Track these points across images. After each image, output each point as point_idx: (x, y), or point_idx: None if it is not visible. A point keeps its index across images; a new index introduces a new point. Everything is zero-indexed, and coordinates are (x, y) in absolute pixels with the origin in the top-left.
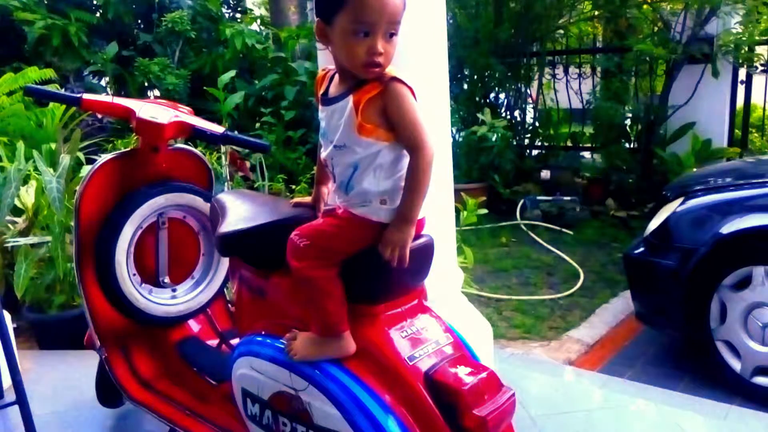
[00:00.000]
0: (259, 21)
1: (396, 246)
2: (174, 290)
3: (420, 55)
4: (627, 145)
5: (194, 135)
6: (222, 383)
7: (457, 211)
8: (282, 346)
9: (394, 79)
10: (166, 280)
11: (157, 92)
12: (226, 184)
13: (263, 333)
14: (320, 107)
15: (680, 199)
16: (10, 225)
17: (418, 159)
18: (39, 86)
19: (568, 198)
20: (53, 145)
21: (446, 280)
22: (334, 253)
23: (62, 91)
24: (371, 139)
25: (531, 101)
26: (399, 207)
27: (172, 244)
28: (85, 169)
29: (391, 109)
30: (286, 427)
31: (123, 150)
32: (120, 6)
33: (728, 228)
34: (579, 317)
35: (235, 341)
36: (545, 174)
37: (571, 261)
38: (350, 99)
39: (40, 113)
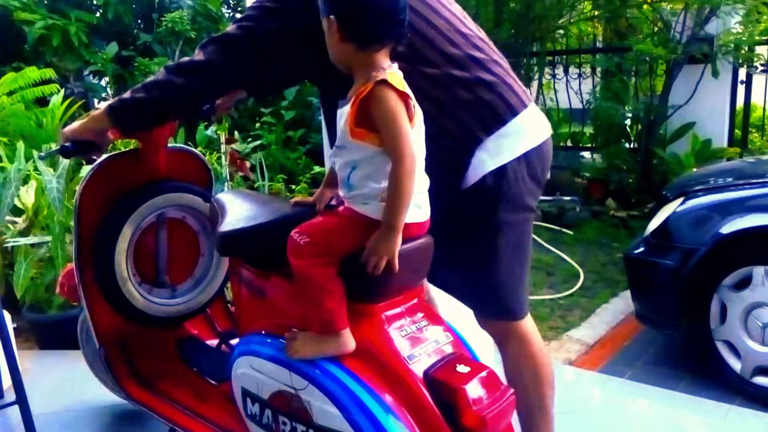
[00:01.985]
0: None
1: (382, 256)
2: (174, 290)
3: None
4: (627, 145)
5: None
6: (222, 383)
7: None
8: (281, 346)
9: (381, 82)
10: (166, 280)
11: None
12: (226, 184)
13: (263, 332)
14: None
15: (680, 199)
16: (10, 225)
17: (395, 168)
18: (70, 145)
19: (568, 198)
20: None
21: None
22: (334, 251)
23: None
24: (364, 143)
25: None
26: (383, 216)
27: (171, 244)
28: (85, 169)
29: (373, 114)
30: (286, 426)
31: (123, 150)
32: (120, 6)
33: (728, 228)
34: (579, 317)
35: (234, 341)
36: None
37: (571, 261)
38: (351, 101)
39: (40, 113)
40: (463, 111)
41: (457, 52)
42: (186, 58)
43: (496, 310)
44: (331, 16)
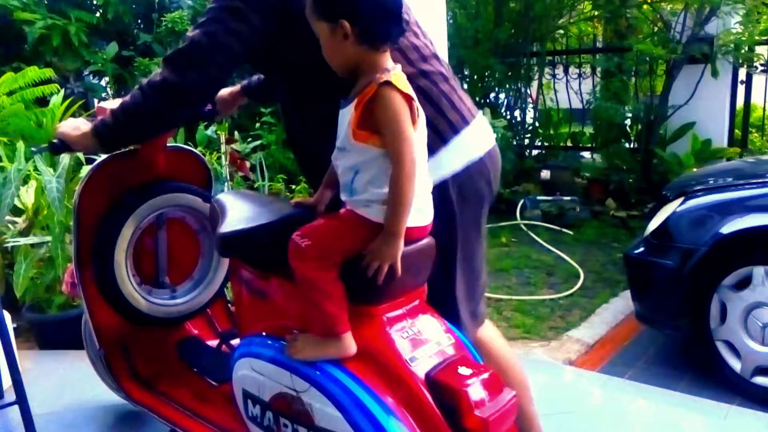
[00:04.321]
0: None
1: (385, 260)
2: (174, 291)
3: None
4: (627, 145)
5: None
6: (222, 384)
7: None
8: (282, 347)
9: (385, 83)
10: (166, 280)
11: None
12: (226, 184)
13: (264, 334)
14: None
15: (680, 199)
16: (10, 225)
17: (395, 171)
18: (58, 142)
19: (568, 198)
20: None
21: None
22: (336, 253)
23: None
24: (366, 145)
25: (531, 101)
26: (385, 220)
27: (171, 244)
28: (85, 169)
29: (377, 115)
30: (287, 428)
31: (123, 150)
32: (120, 6)
33: (728, 228)
34: (579, 317)
35: (235, 342)
36: (545, 174)
37: (571, 261)
38: (354, 102)
39: (40, 113)
40: None
41: (403, 62)
42: (157, 74)
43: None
44: (342, 20)
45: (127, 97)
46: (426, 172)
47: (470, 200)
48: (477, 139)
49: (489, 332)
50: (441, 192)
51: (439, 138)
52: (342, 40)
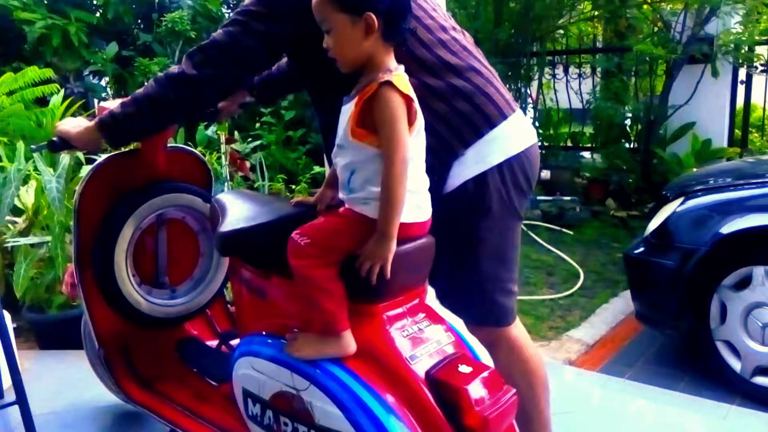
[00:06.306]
0: None
1: (376, 261)
2: (173, 291)
3: None
4: (627, 145)
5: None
6: (222, 384)
7: None
8: (282, 346)
9: (385, 83)
10: (166, 280)
11: None
12: (226, 184)
13: (264, 333)
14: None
15: (680, 199)
16: (10, 225)
17: (386, 172)
18: (58, 140)
19: (568, 198)
20: None
21: None
22: (335, 251)
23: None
24: (363, 144)
25: (531, 101)
26: (378, 221)
27: (171, 244)
28: (85, 169)
29: (374, 114)
30: (287, 427)
31: (123, 150)
32: (120, 6)
33: (728, 228)
34: (579, 317)
35: (234, 342)
36: (545, 174)
37: (571, 261)
38: (354, 100)
39: (40, 113)
40: (439, 124)
41: (432, 59)
42: (175, 69)
43: (480, 316)
44: (369, 13)
45: (140, 90)
46: (423, 170)
47: (510, 193)
48: (517, 133)
49: (518, 331)
50: (479, 184)
51: (474, 131)
52: (362, 34)
